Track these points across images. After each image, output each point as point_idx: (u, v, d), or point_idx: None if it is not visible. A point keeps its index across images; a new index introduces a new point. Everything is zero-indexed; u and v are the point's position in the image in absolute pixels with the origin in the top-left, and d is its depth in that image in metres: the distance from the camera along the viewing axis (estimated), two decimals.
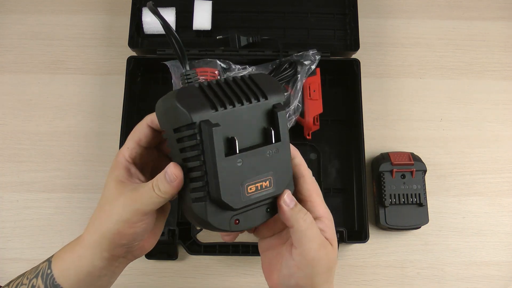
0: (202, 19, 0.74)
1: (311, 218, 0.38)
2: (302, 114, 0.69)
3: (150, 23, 0.73)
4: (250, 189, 0.36)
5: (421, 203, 0.65)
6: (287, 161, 0.38)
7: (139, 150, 0.40)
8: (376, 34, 0.80)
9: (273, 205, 0.38)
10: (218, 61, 0.70)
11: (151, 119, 0.39)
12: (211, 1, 0.75)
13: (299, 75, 0.69)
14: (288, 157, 0.38)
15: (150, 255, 0.66)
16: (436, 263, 0.69)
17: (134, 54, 0.73)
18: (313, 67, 0.70)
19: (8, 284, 0.43)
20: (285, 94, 0.69)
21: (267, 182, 0.37)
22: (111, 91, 0.75)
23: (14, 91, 0.75)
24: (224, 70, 0.71)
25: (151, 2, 0.38)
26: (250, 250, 0.65)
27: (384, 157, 0.68)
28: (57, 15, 0.79)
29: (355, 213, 0.68)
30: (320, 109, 0.70)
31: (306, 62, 0.70)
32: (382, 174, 0.67)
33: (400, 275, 0.68)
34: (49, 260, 0.41)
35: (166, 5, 0.75)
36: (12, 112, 0.74)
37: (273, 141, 0.36)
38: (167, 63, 0.70)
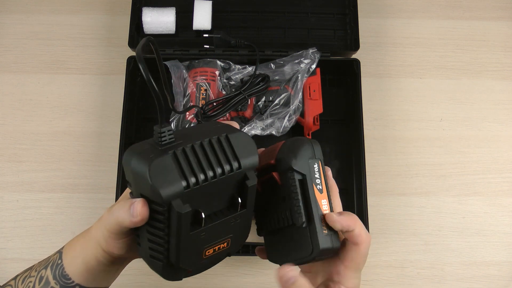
0: (202, 19, 0.74)
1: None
2: (302, 114, 0.69)
3: (150, 23, 0.73)
4: (208, 252, 0.37)
5: (293, 223, 0.37)
6: (247, 226, 0.38)
7: None
8: (376, 34, 0.80)
9: (227, 254, 0.40)
10: (218, 61, 0.70)
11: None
12: (211, 1, 0.75)
13: (299, 75, 0.69)
14: (250, 220, 0.38)
15: None
16: (436, 263, 0.69)
17: (134, 54, 0.73)
18: (313, 66, 0.69)
19: (14, 278, 0.43)
20: (285, 94, 0.69)
21: (225, 243, 0.37)
22: (111, 91, 0.75)
23: (14, 91, 0.75)
24: (224, 70, 0.71)
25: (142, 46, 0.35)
26: (250, 250, 0.65)
27: None
28: (57, 15, 0.79)
29: (355, 213, 0.68)
30: (320, 109, 0.70)
31: (306, 61, 0.70)
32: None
33: (400, 275, 0.68)
34: (60, 251, 0.41)
35: (166, 5, 0.75)
36: (12, 112, 0.74)
37: (239, 210, 0.36)
38: (167, 63, 0.70)
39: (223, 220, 0.35)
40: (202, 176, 0.33)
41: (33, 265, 0.43)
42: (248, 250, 0.65)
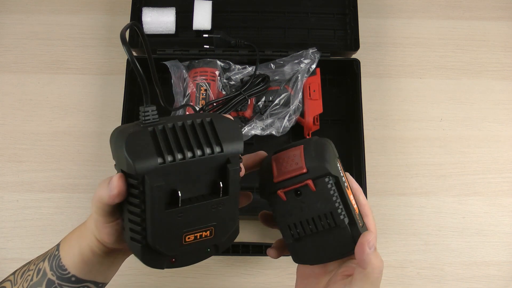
0: (202, 19, 0.74)
1: (381, 261, 0.37)
2: (302, 114, 0.69)
3: (150, 23, 0.73)
4: (188, 238, 0.35)
5: (337, 225, 0.38)
6: (233, 214, 0.37)
7: None
8: (376, 34, 0.80)
9: (215, 247, 0.38)
10: (218, 61, 0.70)
11: None
12: (211, 1, 0.75)
13: (299, 75, 0.69)
14: (235, 210, 0.37)
15: None
16: (436, 263, 0.69)
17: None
18: (313, 66, 0.69)
19: (13, 273, 0.43)
20: (285, 94, 0.69)
21: (208, 232, 0.36)
22: (111, 91, 0.75)
23: (14, 91, 0.75)
24: (224, 70, 0.71)
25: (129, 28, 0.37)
26: (250, 250, 0.65)
27: (267, 168, 0.41)
28: (57, 15, 0.79)
29: None
30: (320, 109, 0.70)
31: (306, 61, 0.70)
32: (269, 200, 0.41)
33: (400, 275, 0.68)
34: (58, 244, 0.42)
35: (166, 5, 0.75)
36: (12, 112, 0.74)
37: (220, 195, 0.35)
38: (166, 63, 0.70)
39: (203, 204, 0.34)
40: (179, 155, 0.33)
41: (32, 260, 0.44)
42: (248, 250, 0.65)
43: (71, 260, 0.40)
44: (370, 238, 0.37)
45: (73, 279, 0.40)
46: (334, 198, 0.37)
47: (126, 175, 0.33)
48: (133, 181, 0.32)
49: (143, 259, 0.35)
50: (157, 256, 0.36)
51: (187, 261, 0.38)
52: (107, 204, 0.34)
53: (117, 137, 0.33)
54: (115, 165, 0.35)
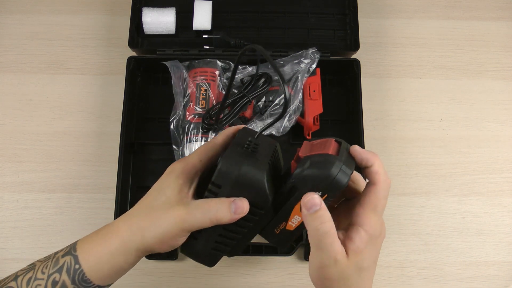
0: (202, 19, 0.74)
1: (327, 227, 0.37)
2: (302, 114, 0.69)
3: (150, 23, 0.73)
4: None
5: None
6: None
7: (208, 166, 0.41)
8: (376, 34, 0.80)
9: None
10: (218, 61, 0.70)
11: (225, 140, 0.41)
12: (211, 1, 0.75)
13: (299, 75, 0.69)
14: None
15: (150, 255, 0.66)
16: (436, 263, 0.69)
17: (134, 54, 0.73)
18: (313, 66, 0.69)
19: (15, 278, 0.41)
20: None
21: None
22: (111, 91, 0.75)
23: (14, 91, 0.75)
24: (224, 70, 0.71)
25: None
26: (250, 250, 0.65)
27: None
28: (57, 15, 0.79)
29: None
30: (320, 109, 0.70)
31: (306, 61, 0.70)
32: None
33: (400, 275, 0.68)
34: (72, 254, 0.40)
35: (166, 5, 0.75)
36: (12, 112, 0.74)
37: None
38: (166, 63, 0.70)
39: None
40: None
41: (35, 264, 0.41)
42: (248, 250, 0.65)
43: (99, 274, 0.39)
44: (304, 200, 0.37)
45: (96, 287, 0.40)
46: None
47: (252, 204, 0.38)
48: (259, 211, 0.38)
49: (210, 264, 0.43)
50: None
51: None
52: (220, 223, 0.38)
53: (249, 168, 0.37)
54: (214, 187, 0.38)
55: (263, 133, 0.40)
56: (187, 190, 0.39)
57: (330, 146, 0.38)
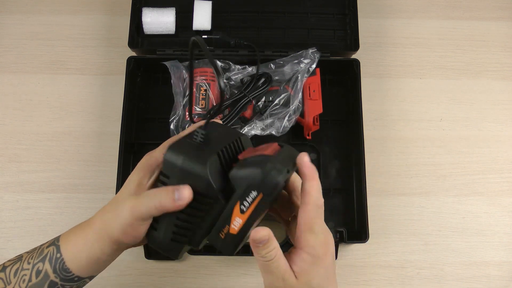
0: (202, 19, 0.74)
1: (273, 255, 0.38)
2: (302, 114, 0.69)
3: (150, 23, 0.73)
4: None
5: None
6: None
7: None
8: (376, 34, 0.80)
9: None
10: (218, 62, 0.70)
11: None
12: (211, 1, 0.75)
13: (299, 75, 0.69)
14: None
15: (150, 255, 0.66)
16: (436, 263, 0.69)
17: (134, 54, 0.73)
18: (313, 66, 0.69)
19: (3, 269, 0.43)
20: (285, 94, 0.69)
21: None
22: (111, 91, 0.75)
23: (14, 91, 0.75)
24: (224, 70, 0.71)
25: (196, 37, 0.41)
26: (250, 250, 0.65)
27: None
28: (57, 15, 0.79)
29: (355, 213, 0.68)
30: (320, 109, 0.70)
31: (305, 61, 0.70)
32: None
33: (400, 275, 0.68)
34: (55, 244, 0.42)
35: (166, 5, 0.75)
36: (12, 112, 0.74)
37: None
38: (166, 63, 0.70)
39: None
40: None
41: (22, 255, 0.44)
42: (248, 250, 0.65)
43: (77, 263, 0.41)
44: (251, 237, 0.37)
45: (75, 278, 0.42)
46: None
47: (198, 193, 0.38)
48: (208, 200, 0.38)
49: (180, 256, 0.42)
50: (181, 249, 0.42)
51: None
52: (164, 211, 0.38)
53: (191, 157, 0.38)
54: (164, 177, 0.39)
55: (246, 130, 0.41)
56: (146, 182, 0.41)
57: (270, 148, 0.39)
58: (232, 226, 0.39)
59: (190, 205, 0.38)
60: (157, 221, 0.41)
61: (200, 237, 0.40)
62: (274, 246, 0.37)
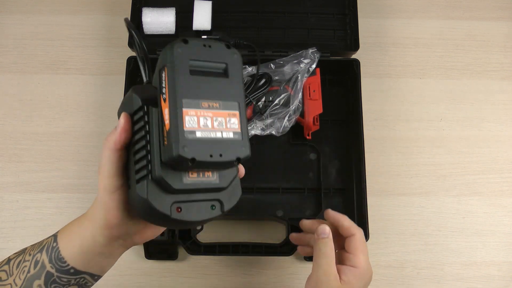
0: (202, 19, 0.74)
1: (328, 251, 0.49)
2: (302, 114, 0.69)
3: (150, 23, 0.73)
4: (192, 174, 0.36)
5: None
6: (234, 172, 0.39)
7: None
8: (376, 34, 0.80)
9: (220, 204, 0.38)
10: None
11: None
12: (211, 1, 0.75)
13: (299, 75, 0.69)
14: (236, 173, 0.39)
15: (150, 255, 0.66)
16: (436, 263, 0.69)
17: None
18: (313, 66, 0.69)
19: (8, 262, 0.43)
20: (285, 94, 0.69)
21: (210, 172, 0.37)
22: (111, 91, 0.75)
23: (14, 91, 0.75)
24: None
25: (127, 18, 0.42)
26: (250, 250, 0.65)
27: None
28: (57, 15, 0.79)
29: (355, 213, 0.68)
30: (320, 109, 0.70)
31: (305, 61, 0.70)
32: None
33: (399, 275, 0.68)
34: (54, 235, 0.42)
35: (166, 5, 0.75)
36: (12, 112, 0.74)
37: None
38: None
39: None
40: None
41: (26, 248, 0.44)
42: (248, 250, 0.65)
43: (71, 252, 0.41)
44: (319, 228, 0.51)
45: (71, 271, 0.41)
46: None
47: (132, 114, 0.38)
48: (139, 115, 0.37)
49: (150, 195, 0.35)
50: (163, 195, 0.36)
51: (192, 215, 0.37)
52: (117, 150, 0.37)
53: (125, 96, 0.40)
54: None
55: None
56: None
57: None
58: (165, 123, 0.35)
59: (133, 133, 0.38)
60: (129, 177, 0.38)
61: (157, 161, 0.35)
62: (330, 245, 0.50)
